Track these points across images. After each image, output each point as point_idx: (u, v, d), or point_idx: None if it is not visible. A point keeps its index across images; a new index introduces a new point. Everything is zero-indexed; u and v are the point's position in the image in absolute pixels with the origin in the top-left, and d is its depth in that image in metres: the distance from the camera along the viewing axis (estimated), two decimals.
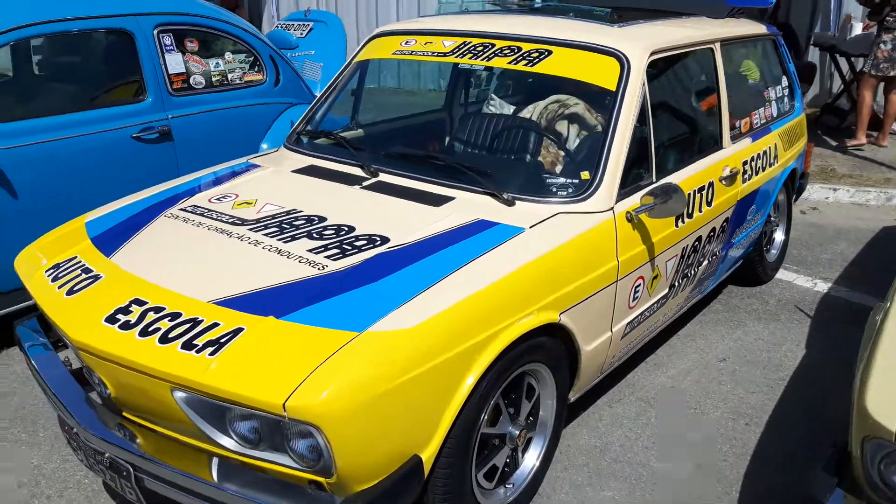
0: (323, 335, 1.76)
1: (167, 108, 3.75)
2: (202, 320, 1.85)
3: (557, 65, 2.70)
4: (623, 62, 2.59)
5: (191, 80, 3.89)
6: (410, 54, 3.09)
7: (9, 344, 3.38)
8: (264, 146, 4.25)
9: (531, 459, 2.35)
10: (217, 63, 4.05)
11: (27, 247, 2.51)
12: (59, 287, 2.14)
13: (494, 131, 3.04)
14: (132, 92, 3.70)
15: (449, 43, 3.00)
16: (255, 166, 2.95)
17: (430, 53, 3.02)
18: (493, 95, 4.05)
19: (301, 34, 5.18)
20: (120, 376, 1.89)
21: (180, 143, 3.80)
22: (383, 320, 1.80)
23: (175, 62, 3.81)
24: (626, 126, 2.51)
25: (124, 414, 2.06)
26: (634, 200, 2.50)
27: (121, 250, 2.27)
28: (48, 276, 2.23)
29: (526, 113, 3.41)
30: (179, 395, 1.78)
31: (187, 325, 1.84)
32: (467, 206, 2.39)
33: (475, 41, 2.92)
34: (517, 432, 2.19)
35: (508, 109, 3.93)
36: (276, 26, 5.34)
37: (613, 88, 2.56)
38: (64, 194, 3.39)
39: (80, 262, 2.24)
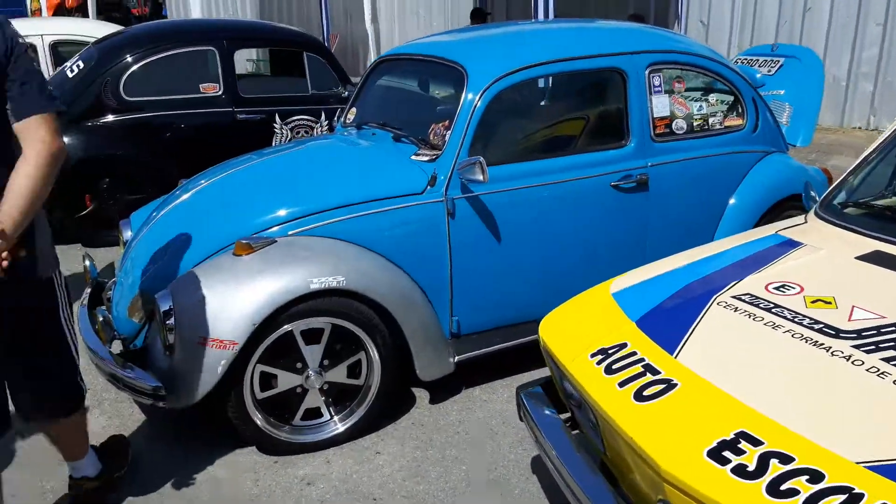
0: None
1: (648, 154, 3.42)
2: (861, 495, 1.36)
3: None
4: None
5: (673, 125, 3.52)
6: None
7: (468, 382, 3.34)
8: (732, 201, 3.73)
9: None
10: (700, 106, 3.63)
11: (553, 312, 2.31)
12: (621, 385, 1.83)
13: None
14: (614, 136, 3.45)
15: None
16: (795, 243, 2.42)
17: None
18: None
19: (769, 71, 4.55)
20: None
21: (655, 193, 3.45)
22: None
23: (661, 105, 3.47)
24: None
25: None
26: None
27: (685, 347, 1.90)
28: (596, 362, 1.96)
29: None
30: None
31: (841, 498, 1.36)
32: None
33: None
34: None
35: None
36: (738, 61, 4.80)
37: None
38: (538, 244, 3.25)
39: (635, 354, 1.93)
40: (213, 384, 2.61)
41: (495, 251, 3.16)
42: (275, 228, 2.91)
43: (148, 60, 5.31)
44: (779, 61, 4.58)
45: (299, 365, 2.80)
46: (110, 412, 3.18)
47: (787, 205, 3.86)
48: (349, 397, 2.96)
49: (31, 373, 2.21)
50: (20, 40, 2.00)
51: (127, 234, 3.53)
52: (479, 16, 9.49)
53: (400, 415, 3.13)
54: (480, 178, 2.91)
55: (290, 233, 2.90)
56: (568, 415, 2.30)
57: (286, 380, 2.80)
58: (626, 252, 3.48)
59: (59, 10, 15.02)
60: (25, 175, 1.91)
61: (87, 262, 3.39)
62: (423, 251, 3.05)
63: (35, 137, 1.93)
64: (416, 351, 2.98)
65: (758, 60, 4.70)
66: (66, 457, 2.50)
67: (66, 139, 5.01)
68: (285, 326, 2.69)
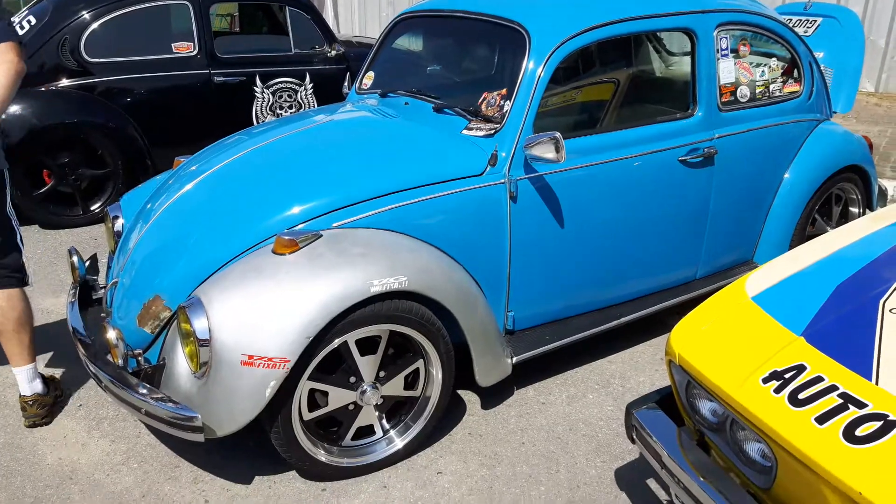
0: None
1: (714, 125, 3.09)
2: None
3: None
4: None
5: (738, 93, 3.19)
6: None
7: (518, 381, 2.99)
8: (787, 175, 3.44)
9: None
10: (763, 71, 3.31)
11: (685, 321, 1.97)
12: (819, 421, 1.51)
13: None
14: (679, 105, 3.10)
15: None
16: None
17: None
18: None
19: (806, 32, 4.26)
20: None
21: (719, 168, 3.13)
22: None
23: (727, 70, 3.13)
24: None
25: None
26: None
27: (882, 370, 1.58)
28: (773, 389, 1.63)
29: None
30: None
31: None
32: None
33: None
34: None
35: None
36: None
37: None
38: (602, 227, 2.90)
39: (823, 380, 1.60)
40: (259, 409, 2.19)
41: (557, 237, 2.80)
42: (315, 220, 2.46)
43: (112, 15, 4.66)
44: (815, 21, 4.29)
45: (352, 379, 2.40)
46: (112, 434, 2.71)
47: (841, 177, 3.62)
48: (402, 410, 2.59)
49: None
50: None
51: (118, 222, 3.02)
52: None
53: (452, 424, 2.77)
54: (554, 156, 2.52)
55: (333, 225, 2.46)
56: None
57: (338, 397, 2.39)
58: (686, 234, 3.18)
59: None
60: None
61: (75, 258, 2.88)
62: (481, 240, 2.66)
63: (4, 59, 2.47)
64: (476, 355, 2.61)
65: (791, 20, 4.40)
66: (13, 361, 2.71)
67: (17, 107, 4.41)
68: (341, 337, 2.28)
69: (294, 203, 2.49)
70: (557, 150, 2.50)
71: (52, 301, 3.72)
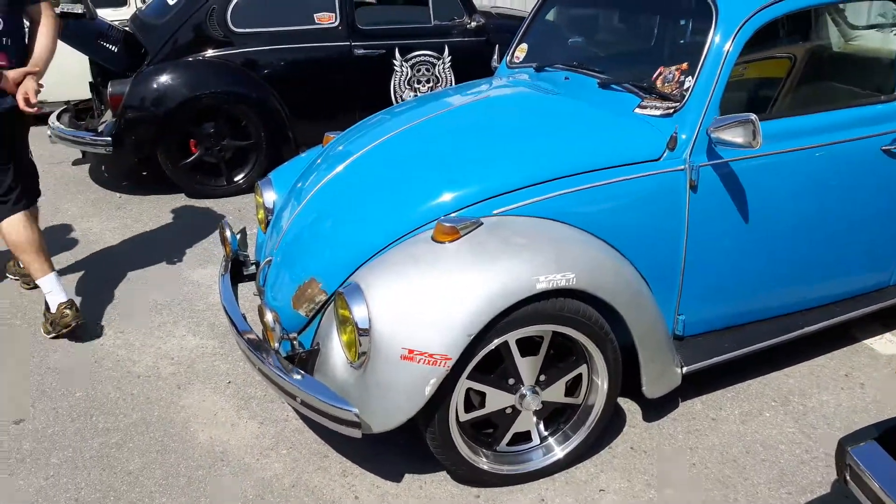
0: None
1: None
2: None
3: None
4: None
5: None
6: None
7: (682, 392, 2.72)
8: None
9: None
10: None
11: None
12: None
13: None
14: (880, 86, 2.70)
15: None
16: None
17: None
18: None
19: None
20: None
21: None
22: None
23: None
24: None
25: None
26: None
27: None
28: None
29: None
30: None
31: None
32: None
33: None
34: None
35: None
36: None
37: None
38: (789, 224, 2.57)
39: None
40: (418, 407, 2.05)
41: (739, 232, 2.49)
42: (474, 206, 2.28)
43: None
44: None
45: (511, 381, 2.22)
46: (261, 416, 2.67)
47: None
48: (560, 418, 2.39)
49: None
50: None
51: (268, 198, 2.96)
52: None
53: (611, 436, 2.54)
54: (746, 141, 2.22)
55: (494, 212, 2.28)
56: None
57: (497, 399, 2.22)
58: (883, 234, 2.78)
59: None
60: (48, 37, 2.99)
61: (228, 232, 2.85)
62: (654, 234, 2.40)
63: (47, 14, 3.00)
64: (644, 362, 2.36)
65: None
66: (34, 273, 3.11)
67: (168, 77, 4.50)
68: (501, 336, 2.10)
69: (451, 188, 2.32)
70: (754, 135, 2.20)
71: (200, 272, 3.76)
